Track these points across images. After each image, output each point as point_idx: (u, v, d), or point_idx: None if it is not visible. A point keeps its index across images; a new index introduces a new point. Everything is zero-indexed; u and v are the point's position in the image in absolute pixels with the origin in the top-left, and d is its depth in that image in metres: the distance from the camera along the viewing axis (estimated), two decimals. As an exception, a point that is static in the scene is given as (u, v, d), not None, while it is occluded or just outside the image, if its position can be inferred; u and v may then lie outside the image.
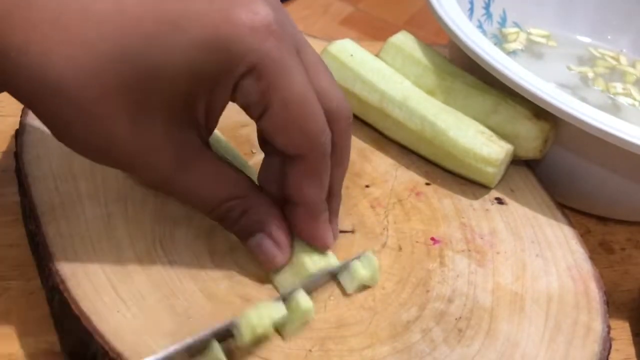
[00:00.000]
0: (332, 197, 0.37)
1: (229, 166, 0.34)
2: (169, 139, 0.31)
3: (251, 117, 0.32)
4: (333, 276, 0.37)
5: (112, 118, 0.29)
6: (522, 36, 0.63)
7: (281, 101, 0.31)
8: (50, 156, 0.39)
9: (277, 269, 0.36)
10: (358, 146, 0.47)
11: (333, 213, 0.37)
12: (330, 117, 0.33)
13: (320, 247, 0.36)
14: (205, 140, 0.33)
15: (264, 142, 0.35)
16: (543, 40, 0.63)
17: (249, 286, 0.36)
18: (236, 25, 0.29)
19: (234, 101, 0.32)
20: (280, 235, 0.35)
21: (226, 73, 0.30)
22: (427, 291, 0.38)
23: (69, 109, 0.29)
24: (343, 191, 0.43)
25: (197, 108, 0.31)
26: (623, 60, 0.64)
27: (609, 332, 0.38)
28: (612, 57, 0.64)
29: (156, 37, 0.28)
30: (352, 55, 0.48)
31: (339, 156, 0.35)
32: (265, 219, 0.35)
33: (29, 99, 0.30)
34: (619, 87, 0.60)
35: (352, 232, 0.40)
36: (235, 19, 0.29)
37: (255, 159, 0.43)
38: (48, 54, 0.28)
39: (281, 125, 0.32)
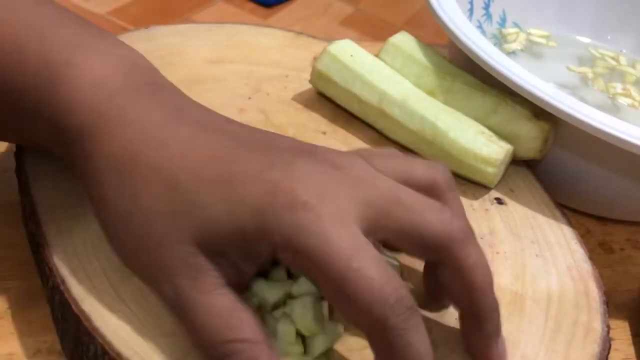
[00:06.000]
0: (482, 323, 0.33)
1: (247, 309, 0.31)
2: (192, 264, 0.31)
3: None
4: None
5: (171, 245, 0.31)
6: (522, 36, 0.63)
7: (322, 275, 0.29)
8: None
9: None
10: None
11: (493, 339, 0.33)
12: (432, 190, 0.33)
13: None
14: (231, 281, 0.31)
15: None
16: (543, 41, 0.63)
17: (249, 286, 0.36)
18: (276, 197, 0.29)
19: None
20: None
21: (262, 239, 0.30)
22: (427, 291, 0.38)
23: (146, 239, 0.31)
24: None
25: (230, 254, 0.31)
26: (623, 60, 0.64)
27: (608, 332, 0.38)
28: (612, 58, 0.64)
29: (212, 194, 0.30)
30: (352, 55, 0.48)
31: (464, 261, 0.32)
32: None
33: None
34: (618, 87, 0.60)
35: (352, 232, 0.40)
36: (277, 191, 0.29)
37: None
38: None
39: (332, 299, 0.30)
